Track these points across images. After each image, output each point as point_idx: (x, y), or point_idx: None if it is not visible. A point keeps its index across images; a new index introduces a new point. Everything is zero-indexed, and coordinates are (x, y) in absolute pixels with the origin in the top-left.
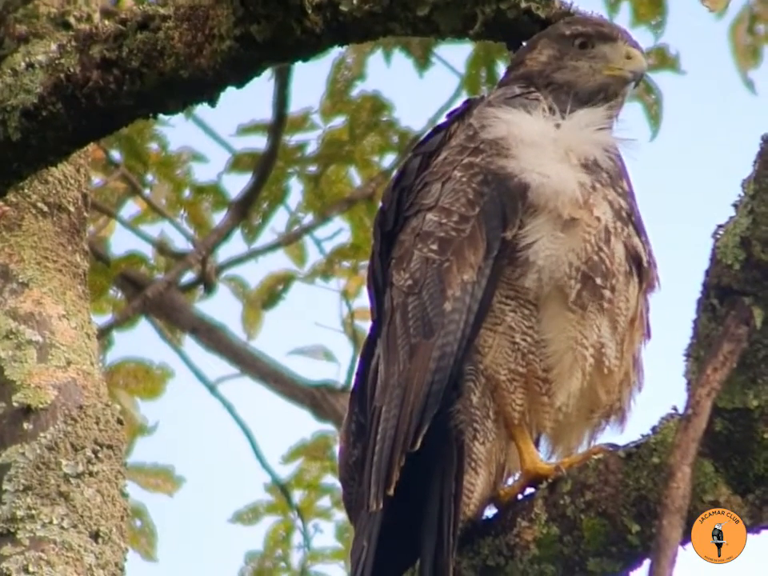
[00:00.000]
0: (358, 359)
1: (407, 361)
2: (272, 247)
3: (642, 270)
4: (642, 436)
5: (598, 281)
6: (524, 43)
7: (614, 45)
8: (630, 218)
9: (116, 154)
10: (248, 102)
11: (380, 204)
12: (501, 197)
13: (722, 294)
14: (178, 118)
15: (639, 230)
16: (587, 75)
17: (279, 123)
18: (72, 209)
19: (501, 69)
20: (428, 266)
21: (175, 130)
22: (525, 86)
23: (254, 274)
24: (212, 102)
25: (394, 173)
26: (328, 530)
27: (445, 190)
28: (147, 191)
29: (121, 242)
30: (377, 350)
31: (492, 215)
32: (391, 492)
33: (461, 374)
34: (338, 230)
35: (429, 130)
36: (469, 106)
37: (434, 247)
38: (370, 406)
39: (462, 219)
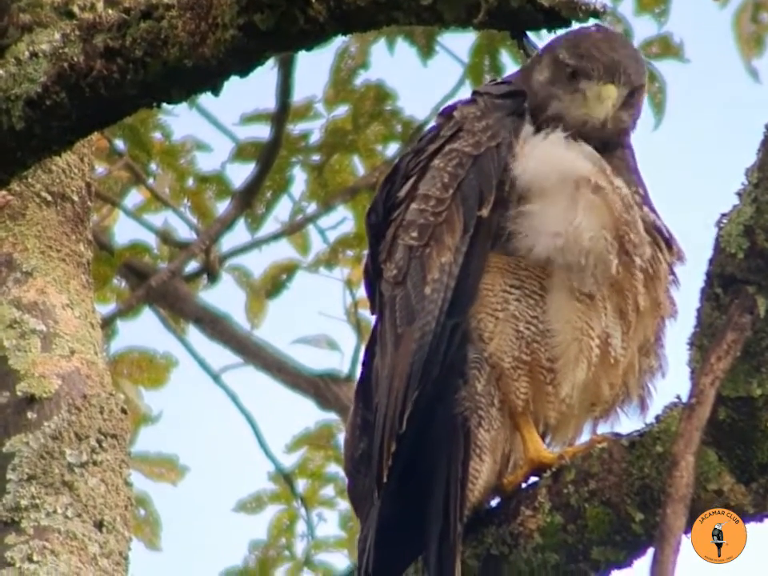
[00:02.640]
0: (362, 349)
1: (393, 351)
2: (276, 236)
3: (666, 241)
4: (646, 425)
5: (630, 248)
6: (529, 33)
7: (590, 82)
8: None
9: (120, 144)
10: (251, 91)
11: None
12: (477, 177)
13: (725, 283)
14: (182, 108)
15: (653, 211)
16: (570, 108)
17: (283, 112)
18: (76, 198)
19: (504, 57)
20: (411, 255)
21: (179, 120)
22: (511, 80)
23: (258, 263)
24: (215, 91)
25: (391, 168)
26: (332, 519)
27: (425, 179)
28: (151, 180)
29: (124, 231)
30: (377, 346)
31: (468, 195)
32: (385, 479)
33: (465, 361)
34: (341, 220)
35: (432, 121)
36: (457, 105)
37: (415, 234)
38: (374, 402)
39: (439, 202)
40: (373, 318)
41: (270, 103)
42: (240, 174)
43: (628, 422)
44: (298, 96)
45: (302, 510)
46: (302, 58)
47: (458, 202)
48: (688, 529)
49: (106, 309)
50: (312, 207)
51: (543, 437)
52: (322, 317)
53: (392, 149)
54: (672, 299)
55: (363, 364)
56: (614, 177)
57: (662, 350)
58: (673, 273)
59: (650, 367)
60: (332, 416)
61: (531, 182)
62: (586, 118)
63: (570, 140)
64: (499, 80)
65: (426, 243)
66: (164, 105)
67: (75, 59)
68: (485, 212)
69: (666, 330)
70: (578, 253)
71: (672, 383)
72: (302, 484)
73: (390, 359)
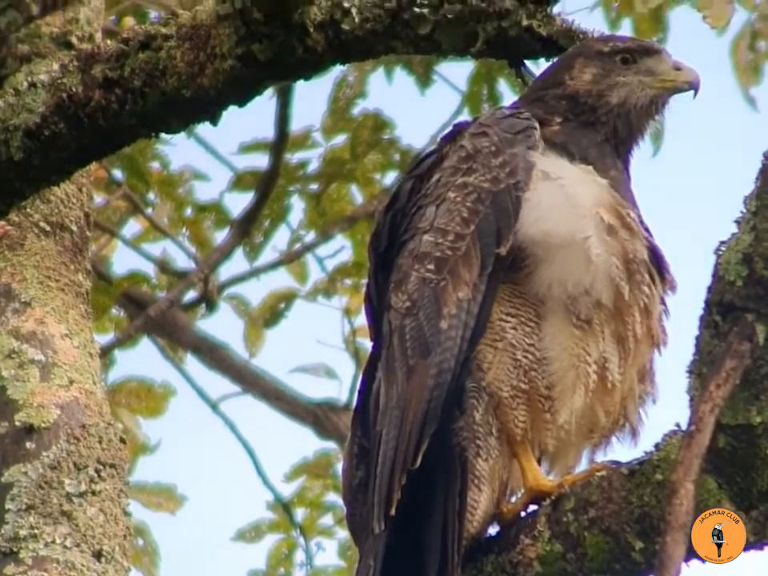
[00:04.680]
0: (360, 377)
1: (405, 382)
2: (274, 265)
3: (662, 270)
4: (645, 453)
5: (638, 278)
6: (527, 62)
7: (658, 57)
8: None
9: (118, 173)
10: (249, 120)
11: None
12: (495, 213)
13: (724, 311)
14: (180, 137)
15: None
16: (638, 90)
17: (281, 141)
18: (74, 228)
19: (502, 86)
20: (425, 286)
21: (177, 149)
22: (519, 111)
23: (256, 292)
24: (214, 121)
25: (390, 195)
26: (330, 548)
27: (440, 212)
28: (149, 210)
29: (123, 260)
30: (377, 373)
31: (486, 232)
32: (393, 512)
33: (463, 391)
34: (339, 248)
35: (425, 152)
36: (460, 129)
37: (431, 267)
38: (372, 429)
39: (458, 238)
40: (370, 346)
41: (268, 132)
42: (238, 203)
43: (620, 449)
44: (296, 125)
45: (301, 539)
46: (300, 88)
47: (475, 238)
48: (688, 557)
49: (104, 338)
50: (310, 236)
51: (540, 463)
52: (320, 345)
53: (390, 177)
54: (663, 328)
55: (360, 391)
56: (624, 206)
57: (655, 376)
58: (663, 303)
59: (645, 393)
60: (331, 445)
61: (537, 243)
62: (660, 93)
63: (584, 173)
64: (507, 112)
65: (442, 277)
66: (162, 134)
67: (74, 89)
68: (503, 250)
69: (657, 358)
70: (585, 274)
71: (670, 411)
72: (300, 513)
73: (402, 390)
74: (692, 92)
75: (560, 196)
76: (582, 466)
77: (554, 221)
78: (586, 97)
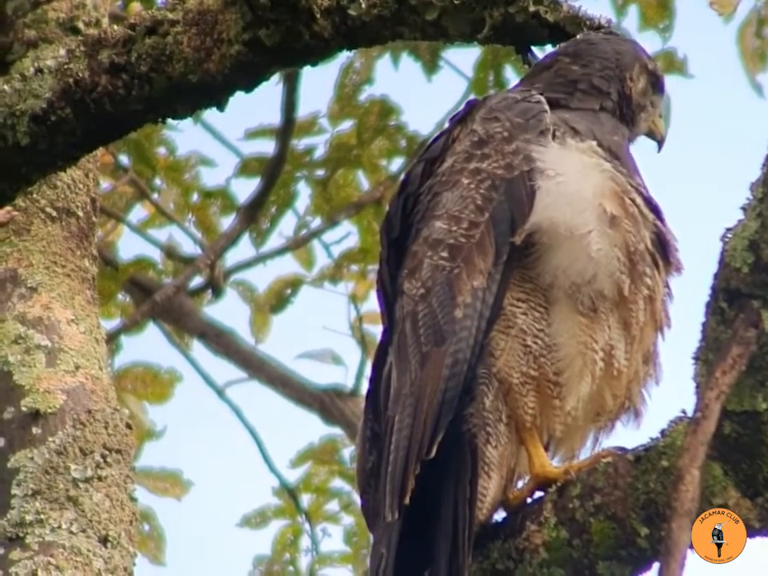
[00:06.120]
0: (368, 363)
1: (419, 370)
2: (280, 251)
3: (667, 253)
4: (651, 439)
5: (641, 268)
6: (534, 48)
7: (660, 98)
8: (650, 203)
9: (124, 159)
10: (256, 106)
11: (386, 211)
12: (509, 201)
13: (730, 298)
14: (186, 123)
15: (659, 215)
16: (645, 122)
17: (287, 127)
18: (81, 213)
19: (509, 72)
20: (438, 274)
21: (183, 135)
22: (531, 94)
23: (262, 278)
24: (220, 107)
25: (401, 179)
26: (336, 534)
27: (453, 198)
28: (155, 195)
29: (129, 246)
30: (389, 357)
31: (500, 220)
32: (407, 501)
33: (474, 378)
34: (345, 234)
35: (435, 135)
36: (470, 109)
37: (444, 254)
38: (383, 415)
39: (472, 225)
40: (380, 331)
41: (274, 118)
42: (245, 189)
43: (624, 432)
44: (302, 111)
45: (307, 525)
46: (307, 73)
47: (489, 226)
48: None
49: (110, 324)
50: (316, 222)
51: (547, 449)
52: (326, 331)
53: (396, 163)
54: (667, 312)
55: (371, 376)
56: (628, 192)
57: (658, 359)
58: (667, 286)
59: (648, 375)
60: (336, 431)
61: (544, 230)
62: (648, 131)
63: (588, 158)
64: (518, 96)
65: (456, 265)
66: (169, 120)
67: (80, 75)
68: (518, 239)
69: (660, 341)
70: (587, 267)
71: (675, 398)
72: (306, 499)
73: (415, 377)
74: (657, 146)
75: (563, 188)
76: (587, 449)
77: (559, 210)
78: (631, 106)
